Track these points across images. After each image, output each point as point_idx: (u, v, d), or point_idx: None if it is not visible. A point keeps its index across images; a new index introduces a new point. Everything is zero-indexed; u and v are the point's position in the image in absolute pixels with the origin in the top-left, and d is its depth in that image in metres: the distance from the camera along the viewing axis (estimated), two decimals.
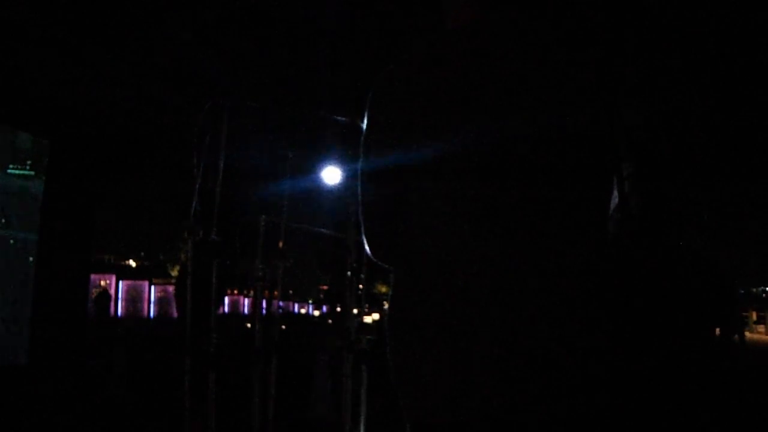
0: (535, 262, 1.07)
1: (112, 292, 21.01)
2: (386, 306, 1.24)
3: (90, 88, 5.44)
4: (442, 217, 1.11)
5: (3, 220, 5.16)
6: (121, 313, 21.59)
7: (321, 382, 5.78)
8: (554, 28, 1.17)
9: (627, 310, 1.79)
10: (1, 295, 5.05)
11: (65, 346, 5.47)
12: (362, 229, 1.24)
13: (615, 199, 1.27)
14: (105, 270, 23.54)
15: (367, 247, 1.26)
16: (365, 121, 1.21)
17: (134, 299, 22.45)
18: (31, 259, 5.33)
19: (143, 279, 23.92)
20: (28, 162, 5.56)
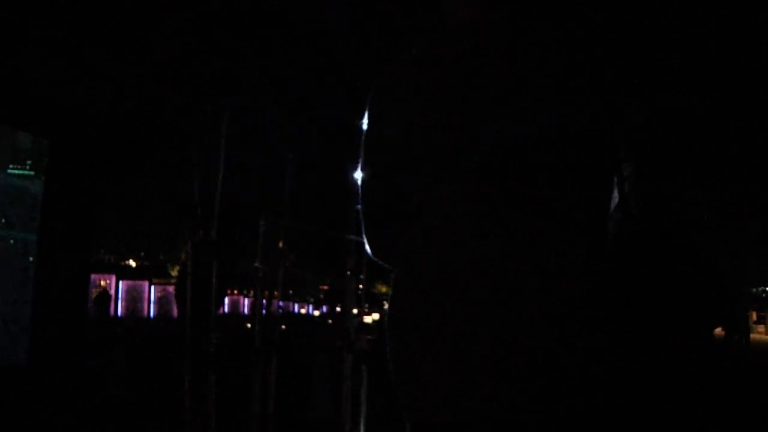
0: (536, 262, 1.07)
1: (112, 292, 21.02)
2: (386, 306, 1.24)
3: (90, 88, 5.44)
4: (442, 217, 1.11)
5: (3, 220, 5.16)
6: (121, 313, 21.61)
7: (321, 382, 5.78)
8: (554, 27, 1.17)
9: (627, 310, 1.79)
10: (1, 295, 5.05)
11: (65, 346, 5.47)
12: (362, 228, 1.24)
13: (615, 199, 1.27)
14: (105, 270, 23.54)
15: (367, 247, 1.26)
16: (366, 121, 1.21)
17: (134, 299, 22.46)
18: (31, 259, 5.33)
19: (143, 279, 23.94)
20: (28, 162, 5.56)
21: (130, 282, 22.95)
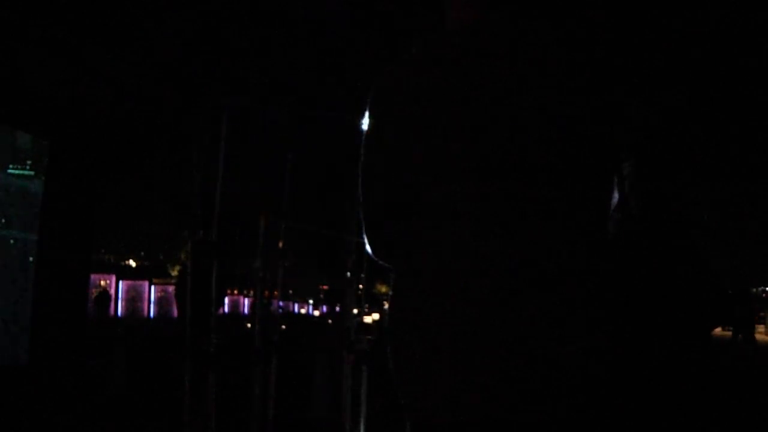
0: (536, 262, 1.07)
1: (112, 292, 21.03)
2: (386, 306, 1.24)
3: (90, 88, 5.44)
4: (442, 217, 1.11)
5: (3, 220, 5.16)
6: (121, 313, 21.61)
7: (321, 382, 5.78)
8: (555, 27, 1.17)
9: (627, 310, 1.80)
10: (1, 295, 5.05)
11: (65, 346, 5.47)
12: (363, 228, 1.24)
13: (615, 199, 1.28)
14: (105, 270, 23.55)
15: (367, 247, 1.26)
16: (366, 121, 1.21)
17: (134, 299, 22.46)
18: (31, 259, 5.33)
19: (143, 279, 23.95)
20: (28, 162, 5.56)
21: (130, 282, 22.96)
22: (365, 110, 1.21)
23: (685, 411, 1.81)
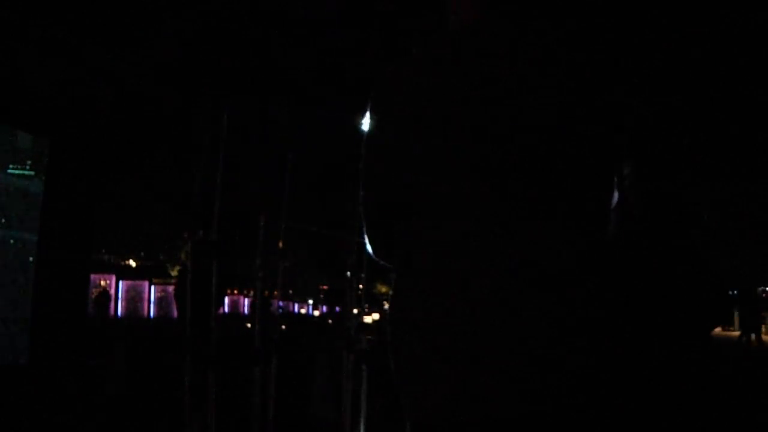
0: (536, 262, 1.07)
1: (112, 292, 21.03)
2: (386, 306, 1.25)
3: (90, 88, 5.44)
4: (442, 217, 1.11)
5: (3, 220, 5.16)
6: (121, 313, 21.62)
7: (321, 382, 5.77)
8: (555, 27, 1.17)
9: (627, 310, 1.80)
10: (1, 295, 5.05)
11: (65, 346, 5.47)
12: (364, 228, 1.24)
13: (615, 199, 1.28)
14: (105, 270, 23.54)
15: (368, 247, 1.26)
16: (367, 121, 1.21)
17: (134, 299, 22.48)
18: (31, 259, 5.33)
19: (143, 279, 23.95)
20: (28, 162, 5.56)
21: (130, 282, 22.96)
22: (366, 110, 1.21)
23: (684, 411, 1.81)
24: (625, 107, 1.22)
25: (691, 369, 1.84)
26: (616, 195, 1.93)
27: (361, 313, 5.21)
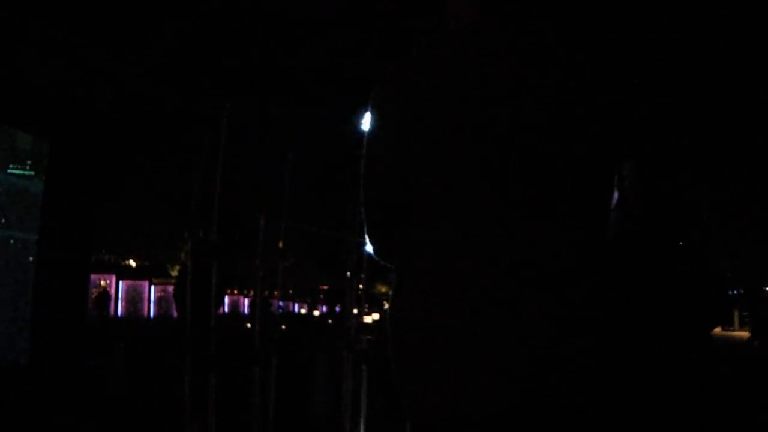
0: (536, 262, 1.07)
1: (112, 292, 21.03)
2: (386, 306, 1.25)
3: (90, 88, 5.44)
4: (443, 217, 1.11)
5: (3, 220, 5.16)
6: (121, 313, 21.62)
7: (321, 382, 5.77)
8: (555, 27, 1.17)
9: (627, 310, 1.80)
10: (1, 295, 5.05)
11: (65, 346, 5.47)
12: (364, 228, 1.24)
13: (615, 199, 1.28)
14: (105, 270, 23.54)
15: (369, 247, 1.26)
16: (368, 121, 1.21)
17: (134, 299, 22.48)
18: (31, 259, 5.33)
19: (143, 279, 23.95)
20: (28, 162, 5.56)
21: (130, 282, 22.97)
22: (366, 110, 1.21)
23: (684, 411, 1.81)
24: (625, 107, 1.22)
25: (691, 369, 1.84)
26: (616, 195, 1.93)
27: (361, 313, 5.21)
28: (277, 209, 4.28)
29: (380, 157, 1.18)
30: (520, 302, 1.05)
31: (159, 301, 22.75)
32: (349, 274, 4.45)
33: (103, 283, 20.41)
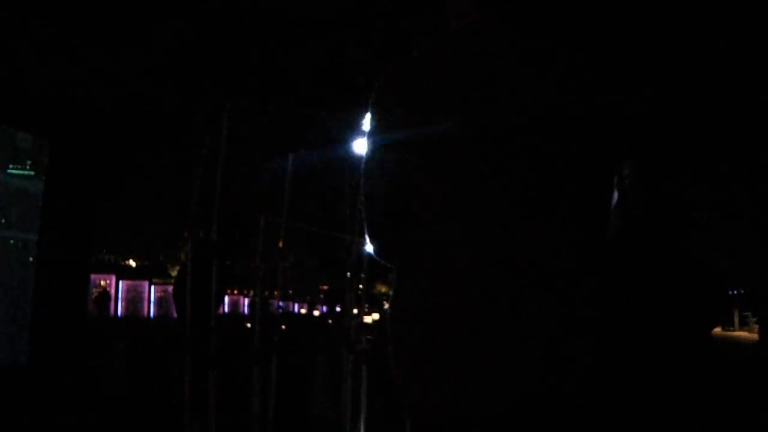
0: (536, 262, 1.07)
1: (112, 292, 21.02)
2: (386, 306, 1.24)
3: (90, 88, 5.44)
4: (443, 217, 1.11)
5: (3, 220, 5.16)
6: (121, 313, 21.60)
7: (321, 382, 5.78)
8: (555, 27, 1.17)
9: (627, 310, 1.80)
10: (1, 295, 5.05)
11: (65, 346, 5.47)
12: (365, 228, 1.24)
13: (615, 199, 1.28)
14: (105, 270, 23.52)
15: (370, 246, 1.26)
16: (369, 121, 1.21)
17: (134, 299, 22.46)
18: (31, 259, 5.33)
19: (143, 279, 23.93)
20: (28, 162, 5.56)
21: (130, 282, 22.95)
22: (366, 110, 1.21)
23: (684, 410, 1.81)
24: (625, 107, 1.22)
25: (691, 369, 1.84)
26: (616, 195, 1.93)
27: (361, 313, 5.22)
28: (277, 209, 4.28)
29: (380, 158, 1.18)
30: (520, 302, 1.05)
31: (159, 301, 22.73)
32: (349, 274, 4.45)
33: (103, 283, 20.40)
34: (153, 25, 5.13)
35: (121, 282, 22.24)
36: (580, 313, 1.07)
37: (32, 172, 5.56)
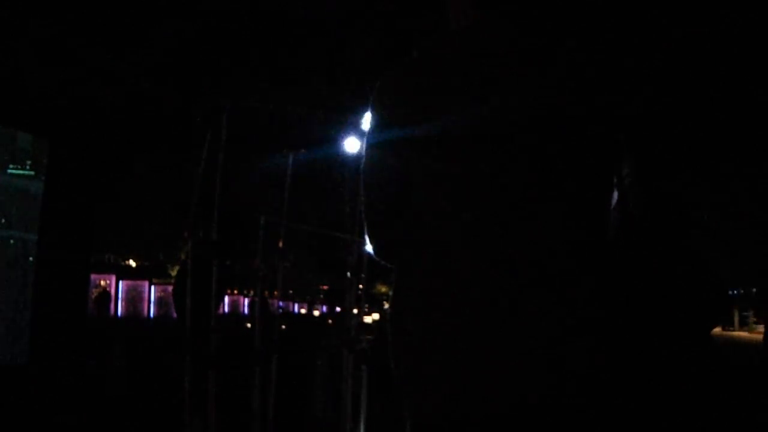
0: (536, 262, 1.07)
1: (112, 292, 21.01)
2: (386, 306, 1.24)
3: (90, 88, 5.44)
4: (443, 217, 1.11)
5: (3, 220, 5.16)
6: (121, 313, 21.59)
7: (321, 382, 5.78)
8: (555, 27, 1.17)
9: (627, 310, 1.79)
10: (1, 295, 5.05)
11: (65, 346, 5.47)
12: (365, 227, 1.24)
13: (615, 199, 1.28)
14: (105, 270, 23.50)
15: (369, 246, 1.26)
16: (369, 121, 1.21)
17: (134, 299, 22.45)
18: (31, 259, 5.33)
19: (143, 279, 23.91)
20: (28, 162, 5.56)
21: (130, 282, 22.94)
22: (366, 110, 1.21)
23: (685, 411, 1.81)
24: (625, 107, 1.22)
25: (691, 369, 1.84)
26: (616, 195, 1.93)
27: (361, 313, 5.21)
28: (277, 209, 4.28)
29: (380, 157, 1.18)
30: (520, 302, 1.05)
31: (159, 301, 22.71)
32: (349, 274, 4.45)
33: (103, 283, 20.39)
34: (153, 25, 5.13)
35: (121, 282, 22.22)
36: (580, 313, 1.07)
37: (32, 172, 5.56)
